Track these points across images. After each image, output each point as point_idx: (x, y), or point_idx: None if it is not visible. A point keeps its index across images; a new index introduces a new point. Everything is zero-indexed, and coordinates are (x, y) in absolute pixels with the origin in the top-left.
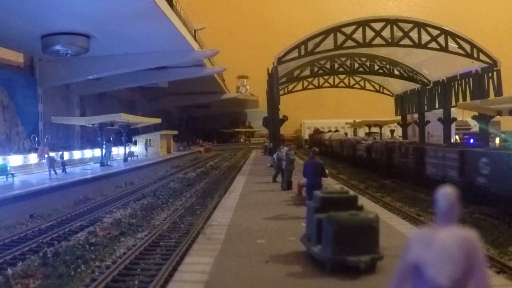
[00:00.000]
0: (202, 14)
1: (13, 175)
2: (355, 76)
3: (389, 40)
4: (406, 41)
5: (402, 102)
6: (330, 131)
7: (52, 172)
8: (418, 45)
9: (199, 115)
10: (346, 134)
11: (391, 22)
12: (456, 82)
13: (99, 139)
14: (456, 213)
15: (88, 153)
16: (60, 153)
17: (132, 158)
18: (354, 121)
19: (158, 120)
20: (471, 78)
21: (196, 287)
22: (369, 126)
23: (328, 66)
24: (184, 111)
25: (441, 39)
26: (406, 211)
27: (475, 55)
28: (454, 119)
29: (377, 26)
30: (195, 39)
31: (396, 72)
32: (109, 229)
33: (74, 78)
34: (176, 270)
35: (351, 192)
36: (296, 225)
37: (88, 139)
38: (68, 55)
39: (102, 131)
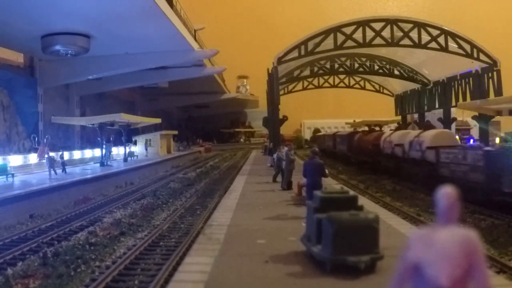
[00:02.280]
0: (202, 14)
1: (13, 175)
2: (355, 76)
3: (389, 40)
4: (406, 41)
5: (402, 102)
6: (386, 126)
7: (52, 172)
8: (418, 45)
9: (199, 115)
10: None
11: (391, 22)
12: (456, 82)
13: (99, 139)
14: (456, 213)
15: (88, 153)
16: (60, 153)
17: (132, 158)
18: (354, 121)
19: (158, 120)
20: (471, 78)
21: (196, 287)
22: (369, 126)
23: (328, 66)
24: (184, 111)
25: (441, 39)
26: (406, 211)
27: (475, 55)
28: (454, 119)
29: (377, 26)
30: (195, 39)
31: (396, 72)
32: (109, 229)
33: (74, 78)
34: (176, 270)
35: (351, 192)
36: (296, 225)
37: (88, 139)
38: (68, 55)
39: (102, 131)
